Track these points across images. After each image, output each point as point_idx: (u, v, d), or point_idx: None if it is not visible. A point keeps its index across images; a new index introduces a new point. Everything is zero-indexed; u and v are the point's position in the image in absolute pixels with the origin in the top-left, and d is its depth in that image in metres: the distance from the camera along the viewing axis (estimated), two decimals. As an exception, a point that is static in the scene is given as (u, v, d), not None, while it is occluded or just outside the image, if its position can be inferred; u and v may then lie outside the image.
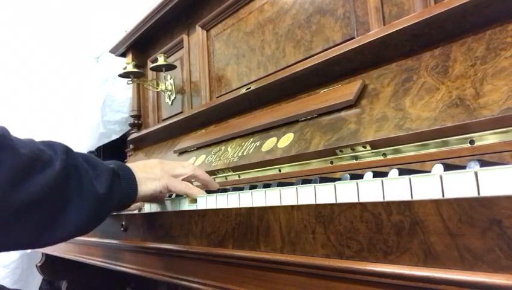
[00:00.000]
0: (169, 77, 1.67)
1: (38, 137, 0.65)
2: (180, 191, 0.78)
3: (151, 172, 0.76)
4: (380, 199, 0.44)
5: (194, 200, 0.80)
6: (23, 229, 0.56)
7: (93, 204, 0.63)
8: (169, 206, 0.86)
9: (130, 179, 0.71)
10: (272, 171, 0.95)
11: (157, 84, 1.71)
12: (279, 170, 0.93)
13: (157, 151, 1.64)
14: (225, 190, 0.83)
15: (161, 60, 1.53)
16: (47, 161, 0.58)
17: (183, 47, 1.61)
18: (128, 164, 0.74)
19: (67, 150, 0.62)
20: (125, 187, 0.70)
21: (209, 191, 0.84)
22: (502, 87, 0.60)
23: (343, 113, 0.84)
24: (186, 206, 0.80)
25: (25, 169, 0.55)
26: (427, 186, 0.41)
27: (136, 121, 1.88)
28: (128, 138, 1.91)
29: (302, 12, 1.09)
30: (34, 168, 0.56)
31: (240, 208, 0.61)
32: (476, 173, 0.37)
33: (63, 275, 1.81)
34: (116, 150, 2.25)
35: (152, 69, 1.59)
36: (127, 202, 0.72)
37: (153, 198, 0.78)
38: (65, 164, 0.60)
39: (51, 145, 0.62)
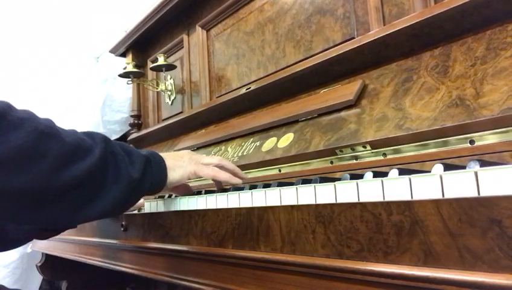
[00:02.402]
0: (169, 77, 1.67)
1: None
2: (209, 176, 0.82)
3: (180, 160, 0.81)
4: (380, 199, 0.44)
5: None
6: (63, 207, 0.62)
7: (127, 187, 0.68)
8: (169, 206, 0.86)
9: (161, 166, 0.77)
10: (271, 171, 0.95)
11: (157, 84, 1.71)
12: (279, 170, 0.93)
13: (157, 151, 1.63)
14: (225, 190, 0.83)
15: (161, 60, 1.53)
16: (88, 149, 0.64)
17: (183, 47, 1.61)
18: (160, 153, 0.79)
19: (105, 139, 0.68)
20: (156, 173, 0.75)
21: (207, 192, 0.83)
22: (502, 87, 0.60)
23: (343, 113, 0.84)
24: (186, 205, 0.80)
25: (69, 156, 0.61)
26: (427, 186, 0.41)
27: (136, 121, 1.88)
28: (128, 138, 1.91)
29: (302, 12, 1.09)
30: (77, 156, 0.62)
31: (240, 208, 0.61)
32: (476, 173, 0.37)
33: (63, 275, 1.81)
34: (116, 150, 2.25)
35: (152, 69, 1.59)
36: (157, 187, 0.77)
37: (182, 185, 0.83)
38: (104, 152, 0.66)
39: (91, 135, 0.68)
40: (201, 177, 0.82)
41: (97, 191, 0.65)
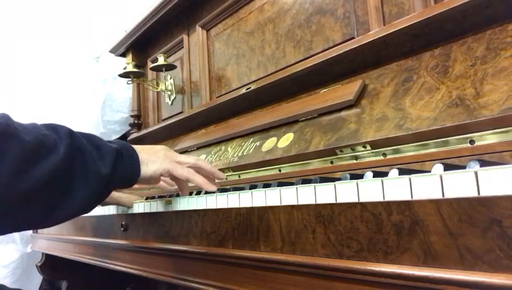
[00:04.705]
0: (169, 77, 1.67)
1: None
2: (182, 176, 0.78)
3: (155, 155, 0.76)
4: (380, 199, 0.44)
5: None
6: (31, 211, 0.57)
7: (97, 184, 0.64)
8: (169, 206, 0.86)
9: (133, 159, 0.72)
10: (272, 171, 0.95)
11: (157, 84, 1.71)
12: (279, 170, 0.93)
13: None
14: (225, 190, 0.83)
15: (161, 60, 1.53)
16: (51, 145, 0.59)
17: (183, 47, 1.61)
18: (133, 145, 0.75)
19: (71, 133, 0.63)
20: (127, 167, 0.71)
21: (207, 192, 0.83)
22: (502, 87, 0.60)
23: (343, 113, 0.84)
24: (186, 205, 0.80)
25: (30, 156, 0.55)
26: (427, 186, 0.41)
27: (136, 121, 1.88)
28: (128, 138, 1.91)
29: (302, 12, 1.09)
30: (39, 155, 0.57)
31: (240, 208, 0.61)
32: (476, 173, 0.37)
33: (63, 275, 1.81)
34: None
35: (152, 69, 1.59)
36: (129, 181, 0.73)
37: (154, 181, 0.79)
38: (69, 148, 0.61)
39: (54, 128, 0.62)
40: (174, 176, 0.78)
41: (65, 191, 0.60)
